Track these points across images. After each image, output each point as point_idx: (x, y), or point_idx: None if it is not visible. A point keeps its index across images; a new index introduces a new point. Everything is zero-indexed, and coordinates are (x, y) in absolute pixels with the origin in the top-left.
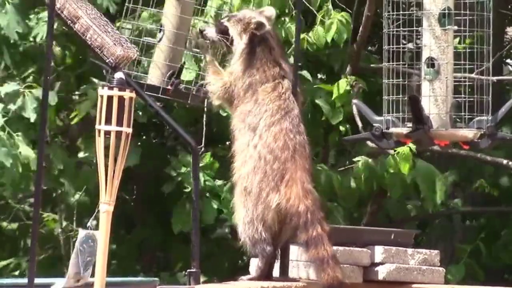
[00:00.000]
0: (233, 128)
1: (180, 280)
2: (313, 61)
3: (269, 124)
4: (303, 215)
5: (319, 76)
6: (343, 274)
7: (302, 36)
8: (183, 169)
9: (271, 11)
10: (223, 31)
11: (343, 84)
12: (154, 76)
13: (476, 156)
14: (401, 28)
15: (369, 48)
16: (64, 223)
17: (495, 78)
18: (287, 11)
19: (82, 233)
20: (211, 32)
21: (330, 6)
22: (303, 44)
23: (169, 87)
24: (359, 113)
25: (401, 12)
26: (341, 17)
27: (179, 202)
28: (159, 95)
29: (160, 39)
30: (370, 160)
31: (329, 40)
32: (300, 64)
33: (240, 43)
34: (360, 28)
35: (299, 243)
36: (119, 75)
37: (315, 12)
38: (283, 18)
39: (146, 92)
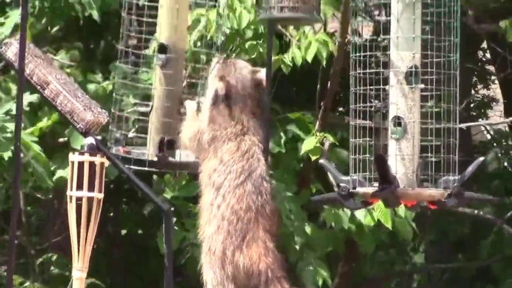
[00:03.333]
0: (200, 182)
1: None
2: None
3: (234, 186)
4: (263, 273)
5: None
6: None
7: (276, 57)
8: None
9: (262, 74)
10: None
11: (312, 142)
12: (151, 148)
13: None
14: (368, 87)
15: (340, 109)
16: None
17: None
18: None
19: None
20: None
21: (306, 28)
22: (277, 65)
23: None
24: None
25: (368, 71)
26: (319, 38)
27: None
28: (148, 168)
29: (150, 112)
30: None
31: (309, 59)
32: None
33: (208, 92)
34: (328, 84)
35: None
36: (89, 140)
37: (289, 36)
38: (255, 41)
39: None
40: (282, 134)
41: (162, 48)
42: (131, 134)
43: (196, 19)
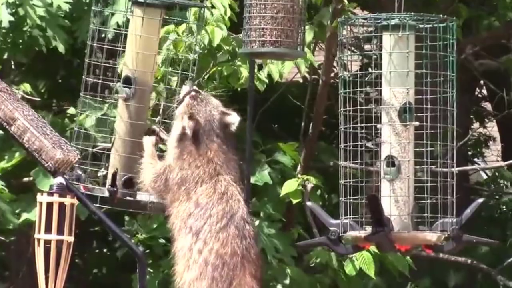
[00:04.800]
0: (172, 226)
1: None
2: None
3: (216, 230)
4: None
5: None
6: None
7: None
8: None
9: (234, 118)
10: None
11: (293, 184)
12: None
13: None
14: (358, 125)
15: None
16: None
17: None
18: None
19: None
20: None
21: None
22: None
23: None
24: (313, 216)
25: (358, 108)
26: None
27: None
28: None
29: (111, 146)
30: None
31: (286, 72)
32: None
33: (175, 128)
34: (311, 125)
35: None
36: (59, 180)
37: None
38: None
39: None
40: (267, 165)
41: (127, 80)
42: (100, 173)
43: (164, 36)
